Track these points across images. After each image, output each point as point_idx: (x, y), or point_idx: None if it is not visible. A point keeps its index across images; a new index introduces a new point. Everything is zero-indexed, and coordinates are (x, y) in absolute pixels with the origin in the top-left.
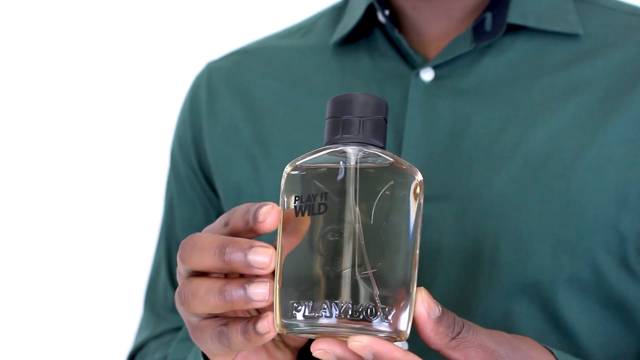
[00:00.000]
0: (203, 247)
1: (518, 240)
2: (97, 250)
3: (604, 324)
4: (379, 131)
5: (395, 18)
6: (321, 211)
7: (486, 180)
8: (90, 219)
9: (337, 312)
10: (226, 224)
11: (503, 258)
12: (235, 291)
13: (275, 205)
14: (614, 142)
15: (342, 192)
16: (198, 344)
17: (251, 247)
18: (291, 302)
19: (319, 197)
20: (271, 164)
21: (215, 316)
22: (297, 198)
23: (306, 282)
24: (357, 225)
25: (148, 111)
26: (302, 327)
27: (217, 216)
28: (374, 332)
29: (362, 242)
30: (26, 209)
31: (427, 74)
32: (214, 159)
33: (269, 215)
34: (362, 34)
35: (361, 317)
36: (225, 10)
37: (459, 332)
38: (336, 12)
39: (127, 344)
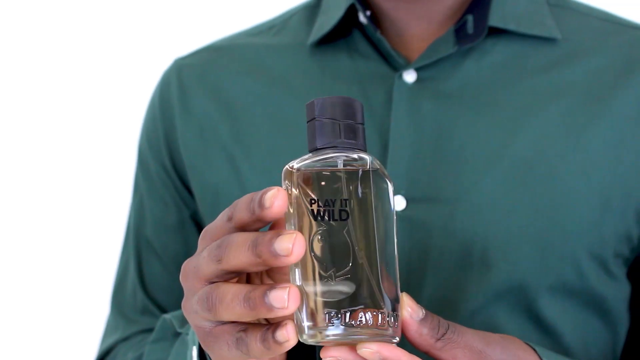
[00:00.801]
0: (239, 244)
1: (507, 243)
2: (97, 250)
3: (585, 324)
4: (364, 136)
5: (376, 18)
6: (343, 218)
7: (475, 182)
8: (89, 219)
9: (371, 321)
10: (230, 219)
11: (491, 260)
12: (259, 298)
13: (280, 188)
14: (597, 146)
15: (357, 199)
16: (210, 350)
17: (278, 235)
18: (326, 310)
19: (339, 202)
20: (253, 164)
21: (233, 322)
22: (313, 201)
23: (342, 290)
24: (375, 233)
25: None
26: (336, 337)
27: (192, 216)
28: (390, 339)
29: (377, 253)
30: (26, 209)
31: (409, 76)
32: (188, 158)
33: (276, 199)
34: (340, 34)
35: (384, 324)
36: (192, 8)
37: (444, 334)
38: (309, 11)
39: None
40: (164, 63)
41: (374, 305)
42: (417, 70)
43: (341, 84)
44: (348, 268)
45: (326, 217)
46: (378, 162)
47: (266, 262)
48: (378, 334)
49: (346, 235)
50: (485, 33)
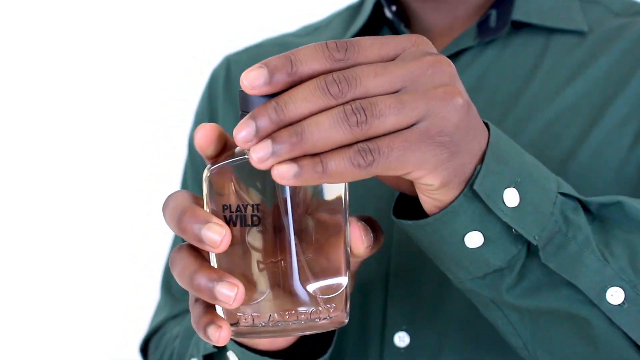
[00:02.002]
0: (171, 209)
1: None
2: (97, 250)
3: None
4: None
5: (403, 14)
6: (254, 223)
7: None
8: (89, 219)
9: (286, 320)
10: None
11: None
12: (203, 282)
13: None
14: (613, 123)
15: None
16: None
17: (207, 221)
18: (237, 313)
19: (250, 208)
20: None
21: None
22: (225, 207)
23: (249, 292)
24: (291, 232)
25: (146, 112)
26: (248, 333)
27: None
28: (320, 328)
29: (302, 251)
30: (26, 209)
31: None
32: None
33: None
34: (371, 32)
35: (307, 320)
36: (229, 11)
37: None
38: (351, 11)
39: (126, 343)
40: (166, 64)
41: (283, 305)
42: None
43: None
44: (257, 272)
45: (238, 223)
46: None
47: (188, 240)
48: (316, 327)
49: (253, 240)
50: (507, 26)
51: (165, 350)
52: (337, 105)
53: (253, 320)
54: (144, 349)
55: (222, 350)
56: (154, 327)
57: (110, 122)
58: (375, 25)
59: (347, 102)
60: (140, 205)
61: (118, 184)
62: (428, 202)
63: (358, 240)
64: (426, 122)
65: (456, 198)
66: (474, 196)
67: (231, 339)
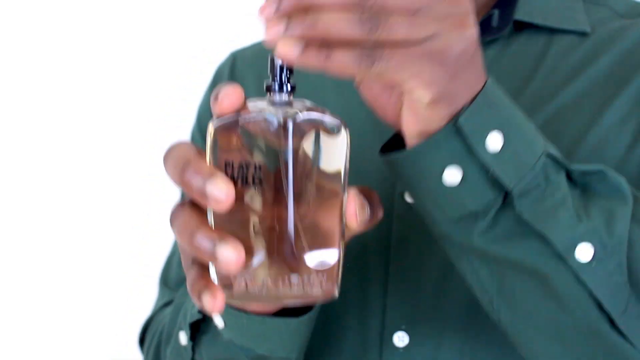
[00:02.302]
0: (174, 159)
1: None
2: (97, 251)
3: None
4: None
5: None
6: (255, 183)
7: None
8: (89, 219)
9: (279, 287)
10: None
11: None
12: (204, 242)
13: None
14: (613, 122)
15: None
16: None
17: (212, 176)
18: (230, 277)
19: (253, 167)
20: None
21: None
22: (227, 164)
23: (246, 256)
24: (290, 196)
25: (146, 112)
26: (242, 298)
27: None
28: (311, 299)
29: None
30: (26, 209)
31: None
32: None
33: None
34: None
35: (300, 289)
36: (229, 11)
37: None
38: None
39: (126, 343)
40: (167, 64)
41: (277, 272)
42: None
43: None
44: (254, 235)
45: (239, 182)
46: (307, 110)
47: (190, 194)
48: (309, 296)
49: (251, 201)
50: (509, 26)
51: (157, 331)
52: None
53: (247, 286)
54: (143, 339)
55: (207, 319)
56: (149, 316)
57: (110, 122)
58: None
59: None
60: (140, 205)
61: (118, 184)
62: (412, 126)
63: (352, 214)
64: (433, 42)
65: (440, 129)
66: (458, 132)
67: None
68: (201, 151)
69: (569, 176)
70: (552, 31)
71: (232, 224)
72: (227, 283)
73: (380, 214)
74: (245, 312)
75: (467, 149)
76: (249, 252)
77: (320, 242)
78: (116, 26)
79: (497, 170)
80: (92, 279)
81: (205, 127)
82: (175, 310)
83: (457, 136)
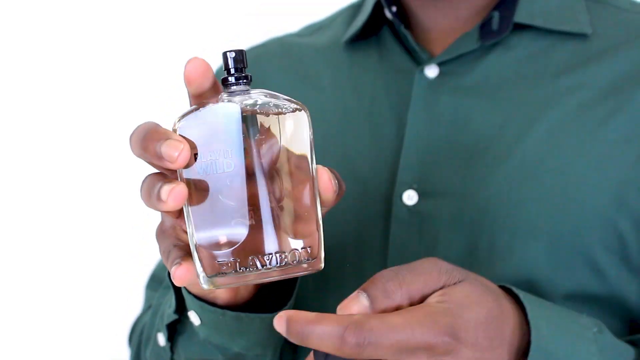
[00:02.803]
0: (136, 134)
1: (514, 237)
2: (97, 250)
3: (602, 320)
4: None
5: (403, 14)
6: (227, 169)
7: (484, 177)
8: (89, 219)
9: (266, 264)
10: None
11: (498, 255)
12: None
13: (179, 186)
14: (614, 139)
15: (240, 141)
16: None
17: (167, 138)
18: (216, 261)
19: (223, 153)
20: None
21: (174, 227)
22: (197, 155)
23: (227, 239)
24: (264, 176)
25: (146, 112)
26: (230, 282)
27: None
28: (298, 272)
29: (276, 193)
30: (26, 209)
31: (431, 71)
32: None
33: (171, 195)
34: (372, 31)
35: (286, 263)
36: (230, 11)
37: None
38: (353, 10)
39: (126, 343)
40: (167, 64)
41: (263, 249)
42: (440, 65)
43: (366, 79)
44: (232, 220)
45: (211, 170)
46: (271, 97)
47: (148, 159)
48: (295, 270)
49: (226, 188)
50: (509, 29)
51: (137, 332)
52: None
53: (235, 267)
54: (131, 339)
55: (183, 319)
56: (136, 318)
57: (110, 122)
58: (375, 25)
59: None
60: (140, 205)
61: (118, 184)
62: None
63: (327, 183)
64: None
65: None
66: None
67: (191, 295)
68: (160, 125)
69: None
70: (553, 33)
71: (212, 211)
72: (216, 270)
73: (344, 187)
74: (220, 307)
75: None
76: (232, 234)
77: (299, 216)
78: (116, 27)
79: None
80: (92, 278)
81: None
82: (154, 312)
83: None
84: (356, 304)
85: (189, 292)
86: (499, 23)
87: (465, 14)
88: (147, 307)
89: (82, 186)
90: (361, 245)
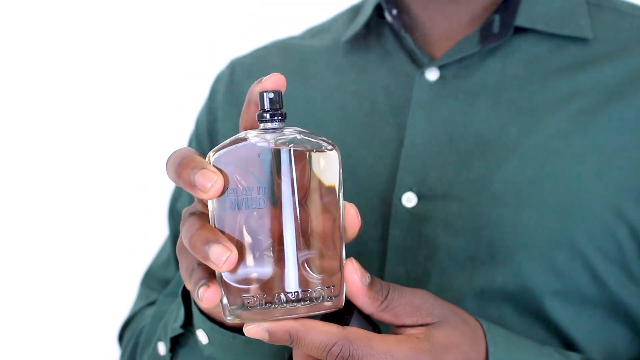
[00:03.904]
0: (172, 159)
1: (513, 242)
2: (97, 251)
3: (604, 328)
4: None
5: (404, 17)
6: (259, 205)
7: (483, 180)
8: (89, 219)
9: (292, 301)
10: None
11: (497, 259)
12: (199, 241)
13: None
14: (614, 147)
15: (272, 179)
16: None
17: (202, 168)
18: (243, 295)
19: (255, 190)
20: None
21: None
22: (231, 190)
23: (254, 275)
24: (294, 213)
25: (147, 112)
26: (254, 317)
27: None
28: (322, 309)
29: (300, 231)
30: (26, 209)
31: (432, 74)
32: None
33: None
34: (373, 34)
35: (309, 302)
36: (231, 13)
37: (387, 294)
38: (352, 13)
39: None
40: (167, 64)
41: (289, 287)
42: (440, 68)
43: (367, 81)
44: (259, 255)
45: (243, 206)
46: (304, 135)
47: (182, 186)
48: (319, 308)
49: (257, 222)
50: (510, 33)
51: (135, 331)
52: None
53: (260, 302)
54: (122, 335)
55: (187, 333)
56: (130, 314)
57: (110, 123)
58: (375, 28)
59: None
60: (140, 205)
61: (118, 184)
62: None
63: (355, 219)
64: None
65: None
66: None
67: (202, 313)
68: (197, 153)
69: None
70: (554, 36)
71: (242, 245)
72: (238, 302)
73: (362, 222)
74: (231, 330)
75: None
76: (260, 269)
77: (324, 254)
78: (116, 26)
79: None
80: (92, 279)
81: (202, 135)
82: (156, 317)
83: None
84: (359, 276)
85: (201, 312)
86: (500, 26)
87: (466, 18)
88: (144, 305)
89: (82, 186)
90: (360, 246)
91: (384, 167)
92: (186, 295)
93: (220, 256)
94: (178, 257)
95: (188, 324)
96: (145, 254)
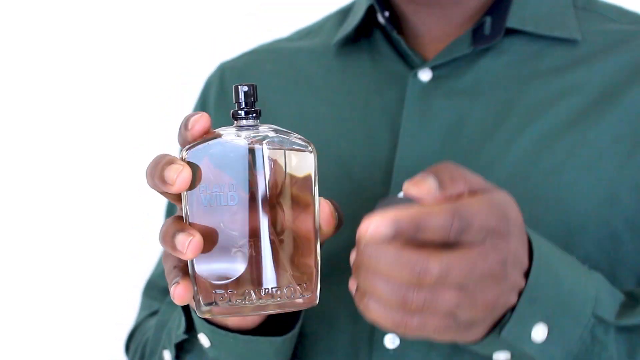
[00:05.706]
0: (148, 166)
1: None
2: (97, 251)
3: None
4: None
5: (396, 19)
6: (231, 202)
7: None
8: (89, 219)
9: (262, 298)
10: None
11: None
12: (168, 233)
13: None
14: (605, 140)
15: (247, 176)
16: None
17: (170, 163)
18: (215, 291)
19: (227, 187)
20: None
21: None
22: (203, 187)
23: (226, 271)
24: (267, 210)
25: (146, 112)
26: (224, 312)
27: None
28: (294, 307)
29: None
30: (26, 209)
31: (424, 75)
32: None
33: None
34: (363, 35)
35: (283, 298)
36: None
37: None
38: (341, 15)
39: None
40: (166, 64)
41: (260, 283)
42: (433, 69)
43: (359, 82)
44: (232, 251)
45: (215, 202)
46: (278, 133)
47: (157, 186)
48: (291, 304)
49: (229, 219)
50: (502, 34)
51: (140, 342)
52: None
53: (230, 298)
54: (128, 347)
55: (191, 338)
56: (135, 325)
57: (110, 123)
58: (367, 29)
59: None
60: (140, 205)
61: (118, 184)
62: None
63: (329, 215)
64: (466, 319)
65: (482, 337)
66: (501, 340)
67: (202, 318)
68: (169, 155)
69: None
70: (544, 38)
71: (213, 242)
72: (210, 300)
73: (343, 219)
74: (231, 331)
75: (511, 345)
76: (231, 266)
77: (297, 251)
78: (116, 26)
79: (542, 357)
80: (92, 279)
81: None
82: (159, 326)
83: (501, 341)
84: (425, 184)
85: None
86: (491, 28)
87: (458, 19)
88: (147, 314)
89: (82, 186)
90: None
91: (378, 168)
92: None
93: (184, 241)
94: (163, 263)
95: (190, 329)
96: (145, 254)
